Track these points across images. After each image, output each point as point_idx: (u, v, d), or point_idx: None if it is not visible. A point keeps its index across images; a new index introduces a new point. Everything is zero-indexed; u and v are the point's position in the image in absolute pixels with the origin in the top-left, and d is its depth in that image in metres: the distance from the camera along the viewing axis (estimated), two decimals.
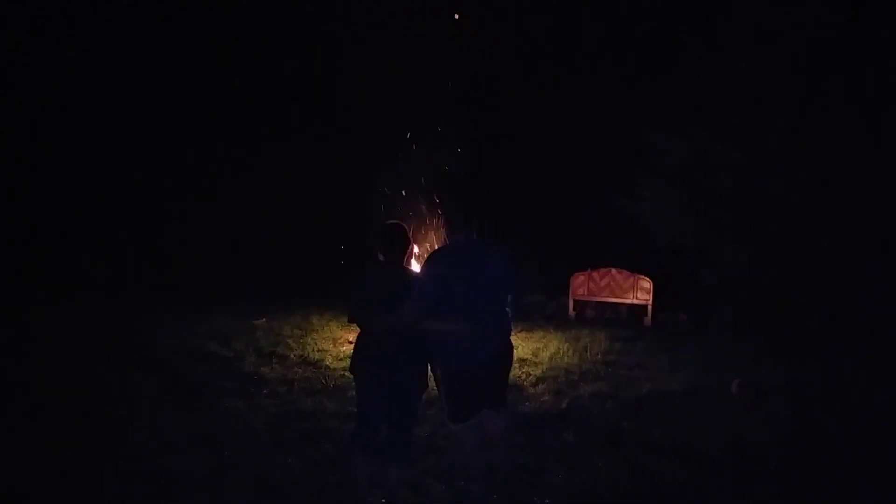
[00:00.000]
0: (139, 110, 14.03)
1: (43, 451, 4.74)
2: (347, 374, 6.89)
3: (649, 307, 11.49)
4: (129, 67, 13.93)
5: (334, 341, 8.69)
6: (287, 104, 14.57)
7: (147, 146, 14.12)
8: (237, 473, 4.53)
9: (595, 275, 11.94)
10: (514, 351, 4.55)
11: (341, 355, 7.82)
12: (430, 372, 4.25)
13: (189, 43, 14.01)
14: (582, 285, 11.96)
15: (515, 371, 7.22)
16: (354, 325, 4.28)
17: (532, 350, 8.48)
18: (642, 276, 11.64)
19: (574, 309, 11.90)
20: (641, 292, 11.60)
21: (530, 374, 7.30)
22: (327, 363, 7.63)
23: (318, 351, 8.17)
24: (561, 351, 8.51)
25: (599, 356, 8.34)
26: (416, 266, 6.53)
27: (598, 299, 11.91)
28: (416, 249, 8.29)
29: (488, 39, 12.95)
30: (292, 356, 7.91)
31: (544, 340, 9.15)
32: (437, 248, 4.32)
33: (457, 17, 12.18)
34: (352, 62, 13.12)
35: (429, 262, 4.18)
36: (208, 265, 13.35)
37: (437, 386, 4.30)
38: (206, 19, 14.15)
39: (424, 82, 11.94)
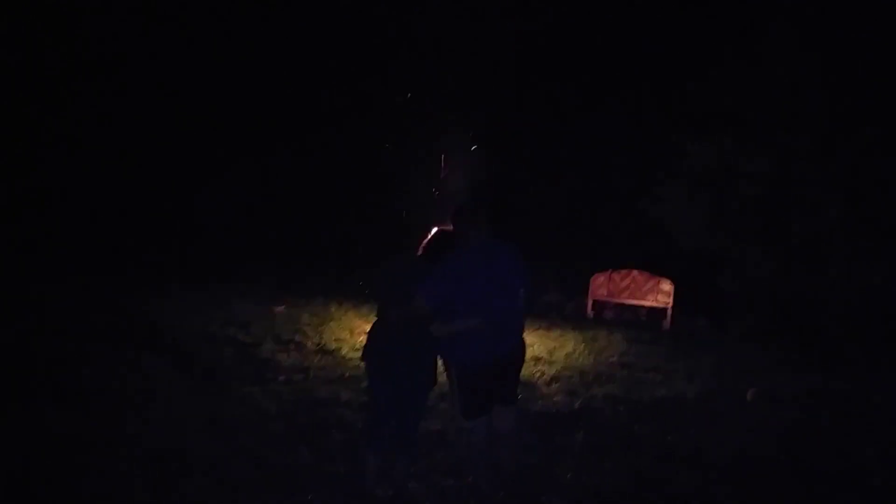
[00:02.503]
0: (172, 97, 14.19)
1: (57, 430, 4.81)
2: (363, 363, 6.99)
3: (669, 310, 11.41)
4: (170, 57, 14.07)
5: (352, 331, 8.75)
6: (321, 99, 14.62)
7: (175, 132, 14.26)
8: (249, 458, 4.59)
9: (616, 276, 11.88)
10: (529, 349, 4.55)
11: (358, 345, 7.87)
12: (440, 367, 4.26)
13: (229, 37, 14.17)
14: (602, 286, 11.91)
15: (529, 369, 7.22)
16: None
17: (548, 349, 8.47)
18: (663, 279, 11.56)
19: (593, 309, 11.85)
20: (662, 295, 11.52)
21: (544, 373, 7.29)
22: (344, 353, 7.68)
23: (336, 340, 8.24)
24: (577, 351, 8.49)
25: (615, 358, 8.30)
26: None
27: (618, 300, 11.85)
28: None
29: (515, 38, 12.91)
30: (309, 344, 7.98)
31: (561, 340, 9.13)
32: (447, 243, 4.26)
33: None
34: (385, 62, 13.16)
35: (442, 258, 4.18)
36: (231, 251, 13.50)
37: (448, 381, 4.31)
38: (247, 18, 14.29)
39: (452, 82, 11.95)
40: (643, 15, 13.99)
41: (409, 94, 12.53)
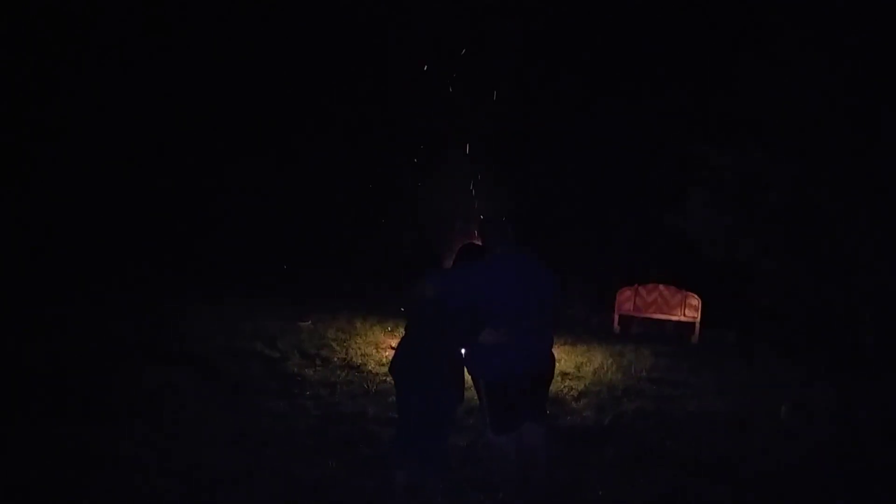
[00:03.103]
0: (191, 104, 14.22)
1: (84, 444, 4.84)
2: (389, 379, 6.97)
3: (697, 325, 11.26)
4: (186, 63, 14.19)
5: (377, 346, 8.74)
6: (343, 108, 14.67)
7: (196, 142, 14.33)
8: (276, 473, 4.58)
9: (642, 290, 11.76)
10: (557, 364, 4.51)
11: (384, 360, 7.86)
12: (468, 382, 4.22)
13: (245, 41, 14.24)
14: (628, 300, 11.79)
15: (558, 385, 7.15)
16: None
17: (575, 364, 8.38)
18: (690, 294, 11.41)
19: (619, 324, 11.74)
20: (689, 309, 11.38)
21: (573, 389, 7.21)
22: (370, 367, 7.68)
23: (362, 355, 8.23)
24: (605, 366, 8.40)
25: (644, 373, 8.20)
26: None
27: (645, 315, 11.72)
28: None
29: (537, 47, 12.90)
30: (335, 359, 7.98)
31: (588, 355, 9.04)
32: (476, 257, 4.24)
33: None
34: (403, 68, 13.20)
35: (470, 272, 4.15)
36: (257, 265, 13.59)
37: (478, 396, 4.27)
38: (264, 20, 14.42)
39: (472, 93, 11.97)
40: (666, 21, 13.94)
41: (434, 106, 12.55)
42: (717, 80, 10.64)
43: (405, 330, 4.31)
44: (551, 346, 4.35)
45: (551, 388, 4.64)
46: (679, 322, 11.50)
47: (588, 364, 8.45)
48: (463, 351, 4.10)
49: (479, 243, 4.29)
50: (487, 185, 11.19)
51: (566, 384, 7.35)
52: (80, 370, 6.68)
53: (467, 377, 4.20)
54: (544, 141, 14.43)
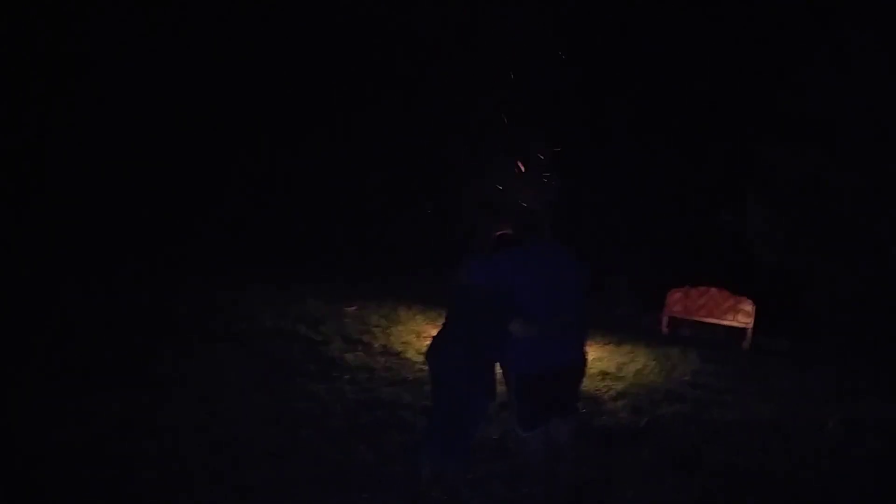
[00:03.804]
0: (238, 86, 14.17)
1: (126, 410, 5.05)
2: (426, 367, 7.01)
3: (749, 331, 10.95)
4: (223, 50, 14.21)
5: (418, 334, 8.79)
6: (390, 91, 14.60)
7: (247, 125, 14.39)
8: (308, 453, 4.67)
9: (693, 292, 11.49)
10: (598, 363, 4.46)
11: (423, 349, 7.81)
12: (499, 376, 4.21)
13: (287, 32, 14.23)
14: (678, 302, 11.55)
15: (595, 383, 7.07)
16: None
17: (616, 364, 8.26)
18: (744, 298, 11.09)
19: (668, 326, 11.52)
20: (742, 315, 11.06)
21: (611, 388, 7.10)
22: (409, 355, 7.73)
23: (402, 343, 8.30)
24: (647, 367, 8.25)
25: (688, 377, 8.02)
26: None
27: (695, 318, 11.45)
28: None
29: (591, 37, 12.66)
30: (376, 345, 8.07)
31: (631, 355, 8.89)
32: (509, 248, 4.22)
33: None
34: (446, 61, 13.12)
35: (504, 263, 4.13)
36: (310, 249, 13.75)
37: (508, 390, 4.26)
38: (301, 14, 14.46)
39: (522, 86, 11.85)
40: (731, 17, 13.52)
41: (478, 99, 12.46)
42: (786, 78, 10.28)
43: (445, 318, 4.32)
44: (584, 343, 4.30)
45: (589, 386, 4.59)
46: (731, 327, 11.20)
47: (630, 364, 8.31)
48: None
49: (514, 234, 4.27)
50: (537, 177, 11.11)
51: (605, 383, 7.25)
52: (132, 343, 6.93)
53: (499, 371, 4.19)
54: (599, 135, 14.20)
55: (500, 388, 4.22)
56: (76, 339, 6.78)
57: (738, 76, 13.06)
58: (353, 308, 10.04)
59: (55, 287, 8.95)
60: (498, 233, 4.30)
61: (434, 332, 7.33)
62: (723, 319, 11.24)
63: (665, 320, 11.56)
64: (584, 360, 4.32)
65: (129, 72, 13.49)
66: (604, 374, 7.57)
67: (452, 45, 12.92)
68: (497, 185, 10.78)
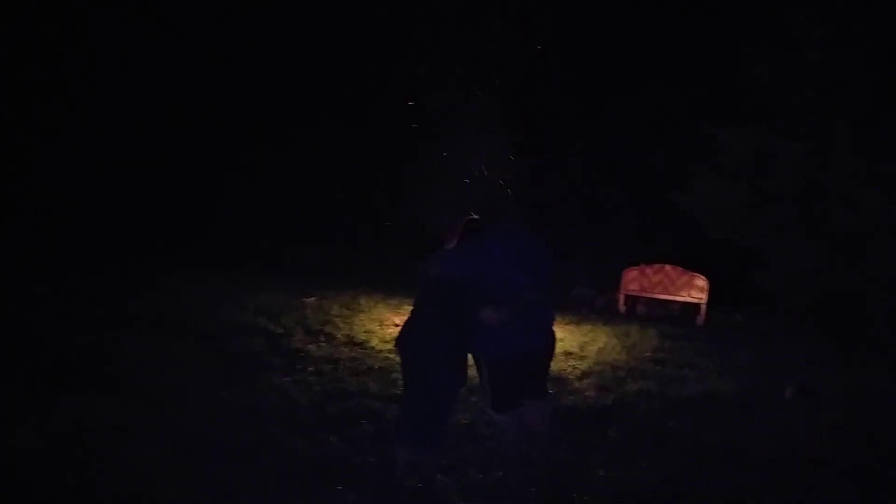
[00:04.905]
0: (201, 85, 14.21)
1: (86, 415, 4.85)
2: (392, 356, 6.97)
3: (703, 306, 11.19)
4: (196, 46, 14.12)
5: (381, 323, 8.73)
6: (347, 88, 14.57)
7: (203, 119, 14.25)
8: (278, 448, 4.58)
9: (648, 270, 11.69)
10: (560, 343, 4.48)
11: (387, 337, 7.85)
12: (470, 361, 4.19)
13: (253, 30, 14.16)
14: (634, 280, 11.73)
15: (560, 364, 7.13)
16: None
17: (579, 343, 8.35)
18: (697, 275, 11.34)
19: (625, 304, 11.69)
20: (696, 290, 11.31)
21: (576, 368, 7.19)
22: (373, 344, 7.67)
23: (365, 332, 8.22)
24: (609, 346, 8.37)
25: (648, 353, 8.16)
26: None
27: (651, 295, 11.66)
28: None
29: (539, 29, 12.71)
30: (339, 336, 7.98)
31: (592, 334, 9.00)
32: (477, 233, 4.20)
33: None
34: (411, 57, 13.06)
35: (472, 250, 4.11)
36: (263, 242, 13.57)
37: (479, 375, 4.25)
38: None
39: (476, 77, 11.84)
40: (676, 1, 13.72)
41: (434, 89, 12.42)
42: (726, 60, 10.46)
43: (413, 306, 4.27)
44: (552, 324, 4.31)
45: (554, 366, 4.61)
46: (685, 303, 11.44)
47: (592, 343, 8.42)
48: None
49: (481, 219, 4.24)
50: (495, 164, 11.10)
51: (569, 363, 7.33)
52: (85, 341, 6.70)
53: (470, 356, 4.17)
54: (552, 121, 14.26)
55: (470, 371, 4.20)
56: (24, 340, 6.51)
57: (685, 60, 13.24)
58: (312, 299, 9.92)
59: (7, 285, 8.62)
60: (468, 219, 4.26)
61: (397, 321, 7.27)
62: (677, 296, 11.48)
63: (622, 298, 11.73)
64: (552, 341, 4.34)
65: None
66: (567, 354, 7.65)
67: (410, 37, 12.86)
68: (460, 174, 10.75)
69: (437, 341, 3.95)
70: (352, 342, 7.73)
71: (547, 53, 12.92)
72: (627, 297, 11.74)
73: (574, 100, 14.21)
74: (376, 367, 6.74)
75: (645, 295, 11.69)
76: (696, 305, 11.27)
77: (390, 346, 7.37)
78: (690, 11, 13.53)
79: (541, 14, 12.72)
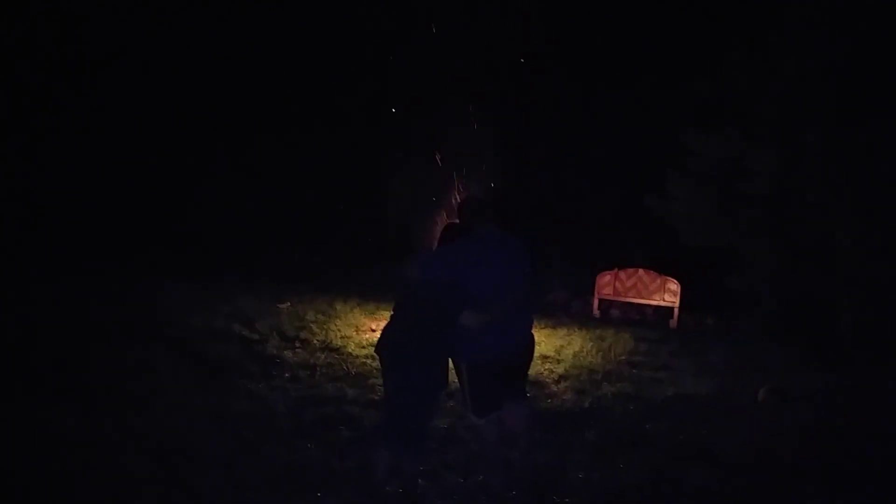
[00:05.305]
0: (178, 90, 14.06)
1: (58, 424, 4.77)
2: (370, 361, 6.94)
3: (676, 309, 11.32)
4: (176, 49, 13.99)
5: (357, 328, 8.68)
6: (322, 96, 14.53)
7: (181, 125, 14.15)
8: (255, 455, 4.54)
9: (622, 275, 11.78)
10: (536, 347, 4.50)
11: (364, 342, 7.81)
12: (450, 366, 4.19)
13: (234, 34, 14.05)
14: (608, 285, 11.82)
15: (538, 367, 7.16)
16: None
17: (555, 347, 8.39)
18: (670, 278, 11.46)
19: (599, 308, 11.77)
20: (669, 294, 11.43)
21: (553, 372, 7.22)
22: (350, 350, 7.61)
23: (342, 337, 8.17)
24: (584, 349, 8.41)
25: (624, 357, 8.23)
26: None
27: (624, 299, 11.75)
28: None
29: (520, 34, 12.80)
30: (315, 341, 7.92)
31: (568, 338, 9.05)
32: (458, 237, 4.21)
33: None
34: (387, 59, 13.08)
35: (452, 253, 4.11)
36: (235, 247, 13.44)
37: (458, 379, 4.25)
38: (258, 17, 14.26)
39: (456, 80, 11.87)
40: (648, 8, 13.87)
41: (411, 92, 12.44)
42: (699, 67, 10.61)
43: (393, 311, 4.26)
44: (531, 327, 4.33)
45: (531, 370, 4.63)
46: (658, 306, 11.56)
47: (568, 347, 8.46)
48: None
49: (462, 223, 4.25)
50: (470, 167, 11.13)
51: (546, 367, 7.36)
52: (55, 348, 6.58)
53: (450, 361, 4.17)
54: (525, 125, 14.35)
55: (450, 375, 4.20)
56: None
57: (658, 65, 13.39)
58: (287, 304, 9.83)
59: None
60: (448, 223, 4.27)
61: (374, 326, 7.24)
62: (651, 299, 11.59)
63: (596, 303, 11.81)
64: (532, 344, 4.36)
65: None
66: (544, 358, 7.68)
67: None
68: (436, 179, 10.75)
69: (417, 344, 3.94)
70: (328, 348, 7.68)
71: (519, 55, 13.03)
72: (601, 301, 11.83)
73: (545, 102, 14.32)
74: (353, 373, 6.70)
75: (619, 299, 11.79)
76: (670, 309, 11.39)
77: (367, 351, 7.34)
78: (666, 16, 13.70)
79: (513, 19, 12.84)
